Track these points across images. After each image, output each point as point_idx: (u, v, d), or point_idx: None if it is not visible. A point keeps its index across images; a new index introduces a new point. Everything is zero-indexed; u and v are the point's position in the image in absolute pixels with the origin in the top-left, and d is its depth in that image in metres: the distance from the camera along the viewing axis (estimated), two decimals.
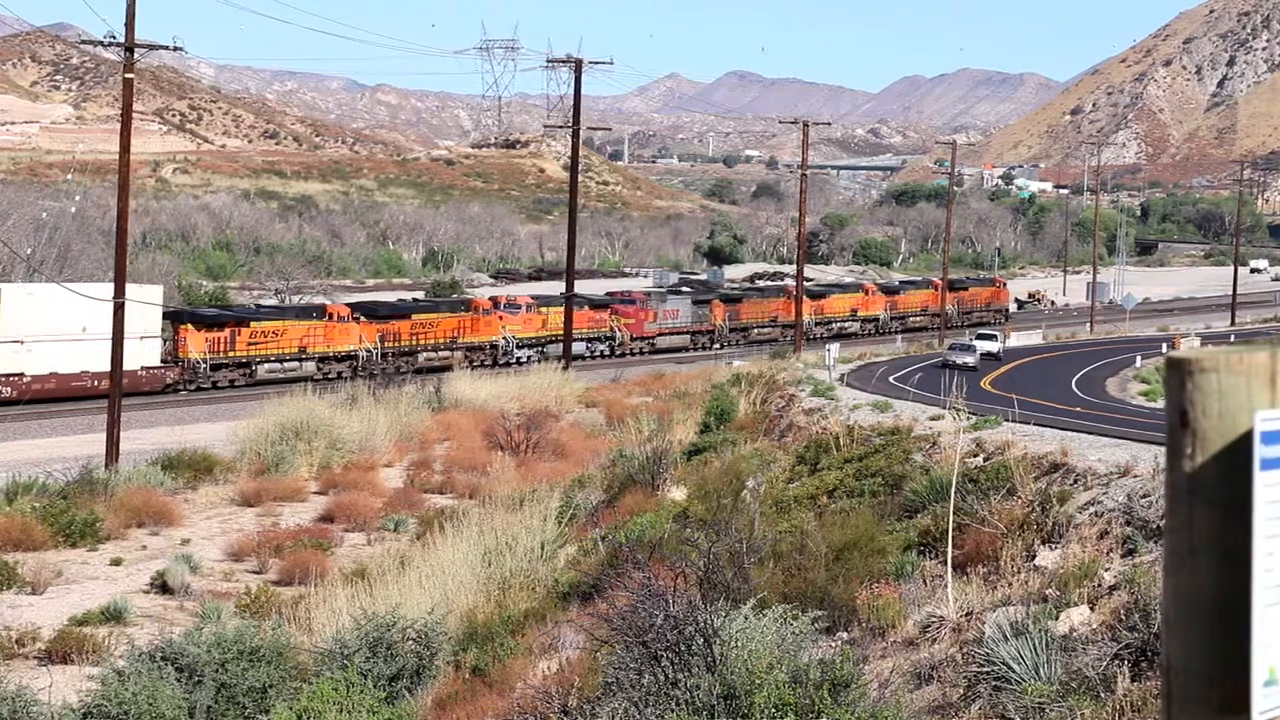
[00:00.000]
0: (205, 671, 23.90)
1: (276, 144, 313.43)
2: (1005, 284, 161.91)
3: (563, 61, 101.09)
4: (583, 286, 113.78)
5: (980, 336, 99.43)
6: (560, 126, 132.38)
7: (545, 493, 40.02)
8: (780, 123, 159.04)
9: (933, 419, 36.43)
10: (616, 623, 17.75)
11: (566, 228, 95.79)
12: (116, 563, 41.08)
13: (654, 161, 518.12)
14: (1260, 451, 3.62)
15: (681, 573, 20.58)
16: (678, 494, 36.92)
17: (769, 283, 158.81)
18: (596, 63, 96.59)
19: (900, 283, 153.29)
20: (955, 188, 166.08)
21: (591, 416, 70.59)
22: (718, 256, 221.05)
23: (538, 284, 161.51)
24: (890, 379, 68.07)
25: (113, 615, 34.45)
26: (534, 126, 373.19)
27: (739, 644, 16.11)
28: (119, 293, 57.06)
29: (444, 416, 67.96)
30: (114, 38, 57.41)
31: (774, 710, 14.86)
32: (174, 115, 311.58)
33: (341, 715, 21.96)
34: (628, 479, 41.55)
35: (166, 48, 60.60)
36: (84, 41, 74.38)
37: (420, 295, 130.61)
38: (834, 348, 71.12)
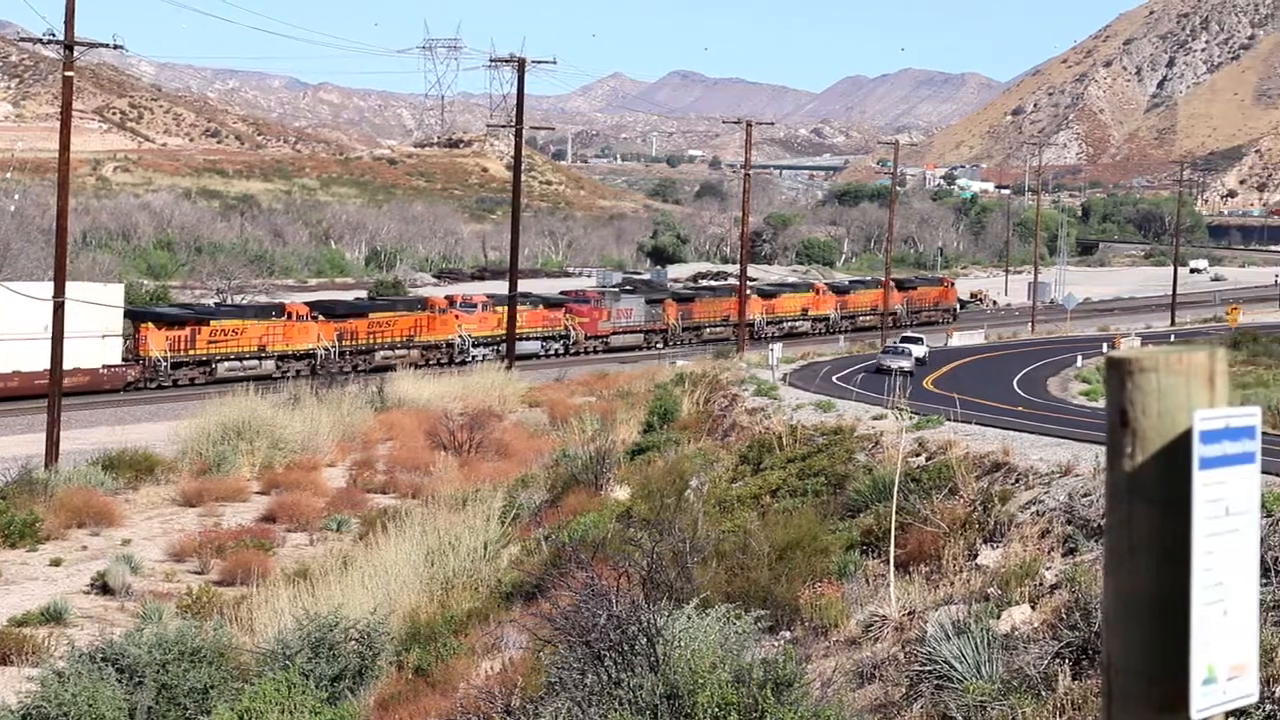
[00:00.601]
0: (146, 672, 23.78)
1: (218, 143, 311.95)
2: (953, 284, 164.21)
3: (506, 61, 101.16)
4: (526, 286, 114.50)
5: (905, 339, 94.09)
6: (503, 126, 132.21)
7: (488, 492, 39.93)
8: (723, 122, 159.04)
9: (875, 418, 36.52)
10: (559, 622, 17.73)
11: (510, 227, 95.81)
12: (56, 563, 40.84)
13: (587, 162, 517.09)
14: (1199, 450, 3.64)
15: (625, 572, 20.58)
16: (621, 494, 36.92)
17: (716, 282, 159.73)
18: (539, 62, 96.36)
19: (850, 282, 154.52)
20: (898, 188, 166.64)
21: (535, 416, 70.50)
22: (661, 256, 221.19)
23: (481, 283, 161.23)
24: (833, 379, 68.18)
25: (52, 616, 34.24)
26: (477, 126, 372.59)
27: (682, 643, 16.11)
28: (59, 292, 56.70)
29: (387, 416, 67.84)
30: (53, 35, 57.04)
31: (717, 710, 14.87)
32: (114, 113, 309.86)
33: (283, 716, 21.88)
34: (571, 479, 41.53)
35: (107, 45, 60.27)
36: (23, 39, 73.91)
37: (363, 295, 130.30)
38: (777, 347, 71.15)
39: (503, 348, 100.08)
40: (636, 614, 16.54)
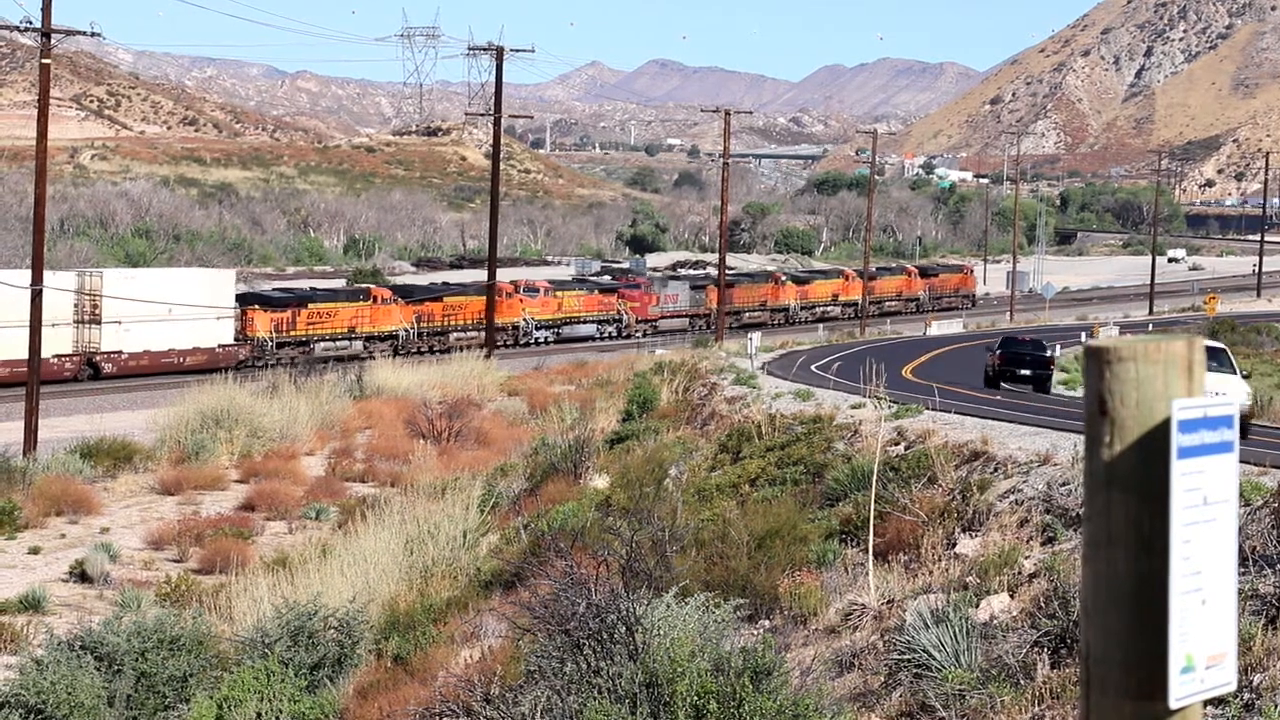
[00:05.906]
0: (125, 660, 23.76)
1: (196, 131, 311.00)
2: (972, 270, 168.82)
3: (484, 49, 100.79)
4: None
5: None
6: (482, 114, 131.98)
7: (467, 481, 39.92)
8: (702, 111, 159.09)
9: (854, 407, 36.50)
10: (539, 611, 17.73)
11: (488, 216, 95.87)
12: (35, 551, 40.78)
13: (564, 151, 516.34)
14: (1177, 440, 3.66)
15: (604, 561, 20.58)
16: (600, 482, 36.91)
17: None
18: (518, 50, 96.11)
19: (877, 269, 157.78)
20: (876, 177, 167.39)
21: (514, 405, 70.45)
22: (640, 245, 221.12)
23: (459, 272, 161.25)
24: (812, 367, 68.16)
25: (31, 604, 34.18)
26: (455, 114, 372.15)
27: (661, 632, 16.12)
28: (36, 280, 56.63)
29: (365, 405, 67.76)
30: (30, 23, 56.92)
31: (696, 698, 14.89)
32: (92, 101, 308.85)
33: (262, 704, 21.88)
34: (550, 467, 41.50)
35: (84, 33, 60.09)
36: (0, 26, 73.57)
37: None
38: (756, 336, 71.11)
39: (561, 330, 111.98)
40: (615, 602, 16.55)
